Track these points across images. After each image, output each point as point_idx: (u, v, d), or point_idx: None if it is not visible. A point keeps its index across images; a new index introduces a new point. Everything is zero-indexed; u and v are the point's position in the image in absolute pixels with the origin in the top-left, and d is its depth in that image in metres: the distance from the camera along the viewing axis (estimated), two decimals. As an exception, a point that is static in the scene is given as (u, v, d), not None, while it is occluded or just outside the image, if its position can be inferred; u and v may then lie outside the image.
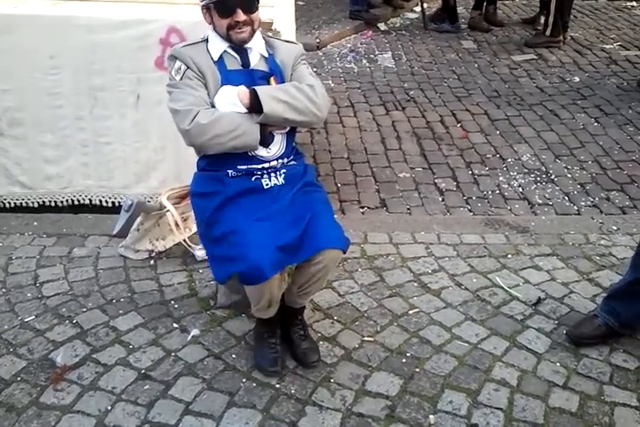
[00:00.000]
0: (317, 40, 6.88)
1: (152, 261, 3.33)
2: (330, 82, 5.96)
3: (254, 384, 2.61)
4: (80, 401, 2.53)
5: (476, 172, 4.47)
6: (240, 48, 2.52)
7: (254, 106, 2.42)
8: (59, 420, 2.45)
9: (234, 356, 2.75)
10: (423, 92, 5.77)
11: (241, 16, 2.42)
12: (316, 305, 3.02)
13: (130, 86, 3.58)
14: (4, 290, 3.12)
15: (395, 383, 2.62)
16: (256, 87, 2.44)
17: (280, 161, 2.58)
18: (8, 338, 2.82)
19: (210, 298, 3.07)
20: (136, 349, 2.78)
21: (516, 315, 2.99)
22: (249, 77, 2.52)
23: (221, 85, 2.48)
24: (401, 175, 4.44)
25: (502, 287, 3.16)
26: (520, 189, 4.26)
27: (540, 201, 4.13)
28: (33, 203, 3.88)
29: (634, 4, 8.37)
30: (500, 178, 4.39)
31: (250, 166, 2.53)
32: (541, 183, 4.33)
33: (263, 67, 2.56)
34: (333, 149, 4.76)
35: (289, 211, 2.51)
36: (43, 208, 3.87)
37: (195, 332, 2.87)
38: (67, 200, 3.87)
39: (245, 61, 2.54)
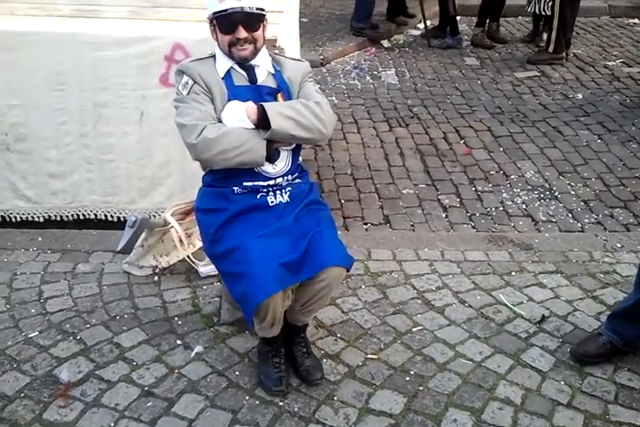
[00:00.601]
0: (321, 57, 6.92)
1: (156, 278, 3.33)
2: (334, 98, 5.99)
3: (257, 402, 2.60)
4: (83, 418, 2.52)
5: (480, 188, 4.48)
6: (246, 65, 2.54)
7: (262, 122, 2.43)
8: (61, 437, 2.44)
9: (237, 373, 2.74)
10: (426, 108, 5.79)
11: (242, 33, 2.43)
12: (319, 322, 3.02)
13: (134, 103, 3.60)
14: (8, 306, 3.12)
15: (398, 401, 2.61)
16: (264, 103, 2.45)
17: (285, 178, 2.59)
18: (12, 354, 2.82)
19: (213, 315, 3.07)
20: (139, 365, 2.78)
21: (520, 333, 2.98)
22: (256, 93, 2.53)
23: (228, 101, 2.49)
24: (404, 192, 4.44)
25: (506, 305, 3.16)
26: (524, 206, 4.26)
27: (544, 218, 4.13)
28: (39, 217, 3.90)
29: (636, 20, 8.40)
30: (504, 195, 4.40)
31: (255, 183, 2.54)
32: (545, 200, 4.33)
33: (271, 83, 2.58)
34: (337, 166, 4.78)
35: (293, 229, 2.51)
36: (47, 224, 3.88)
37: (198, 349, 2.86)
38: (72, 215, 3.89)
39: (252, 77, 2.55)
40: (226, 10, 2.42)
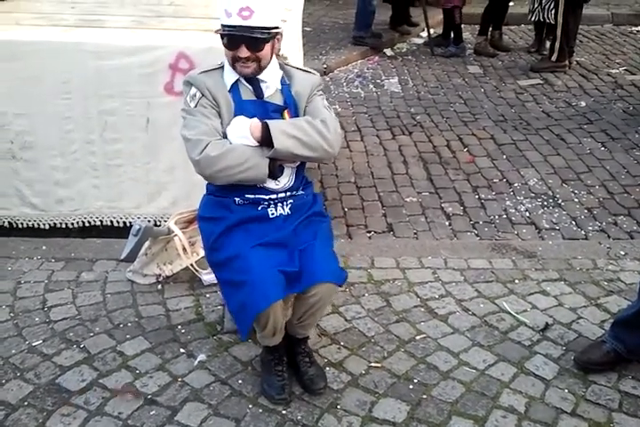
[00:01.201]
0: (324, 65, 6.95)
1: (159, 286, 3.33)
2: (337, 106, 6.00)
3: (260, 410, 2.60)
4: (86, 426, 2.52)
5: (483, 196, 4.48)
6: (252, 79, 2.49)
7: (265, 140, 2.41)
8: (65, 446, 2.44)
9: (240, 381, 2.74)
10: (430, 116, 5.81)
11: (244, 52, 2.37)
12: (322, 330, 3.02)
13: (139, 111, 3.62)
14: (12, 314, 3.13)
15: (402, 410, 2.60)
16: (268, 121, 2.42)
17: (288, 193, 2.58)
18: (15, 362, 2.83)
19: (217, 323, 3.07)
20: (143, 374, 2.78)
21: (524, 341, 2.97)
22: (262, 109, 2.50)
23: (235, 115, 2.47)
24: (408, 200, 4.45)
25: (510, 313, 3.15)
26: (527, 214, 4.26)
27: (548, 226, 4.13)
28: (45, 224, 3.92)
29: (639, 28, 8.42)
30: (507, 202, 4.40)
31: (257, 196, 2.54)
32: (548, 208, 4.33)
33: (278, 98, 2.54)
34: (340, 174, 4.79)
35: (291, 241, 2.52)
36: (52, 231, 3.90)
37: (201, 357, 2.86)
38: (77, 222, 3.91)
39: (259, 92, 2.51)
40: (230, 26, 2.36)
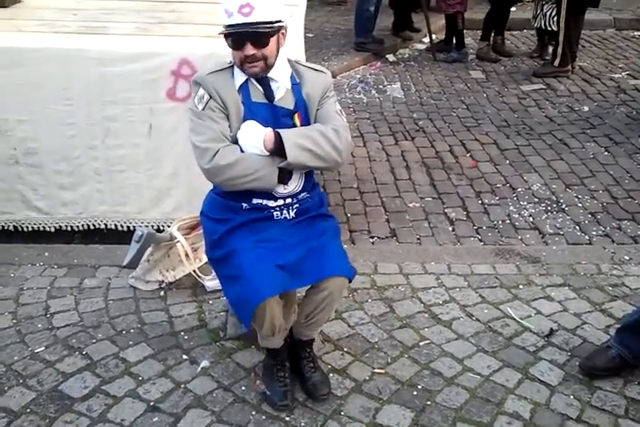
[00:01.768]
0: (327, 71, 6.94)
1: (162, 292, 3.33)
2: (340, 112, 5.99)
3: (264, 417, 2.58)
4: (89, 434, 2.51)
5: (486, 201, 4.47)
6: (262, 79, 2.45)
7: (277, 150, 2.38)
8: (67, 453, 2.43)
9: (243, 388, 2.73)
10: (432, 122, 5.80)
11: (249, 50, 2.34)
12: (325, 336, 3.01)
13: (142, 117, 3.63)
14: (14, 321, 3.12)
15: (406, 416, 2.59)
16: (281, 132, 2.39)
17: (295, 199, 2.57)
18: (18, 369, 2.82)
19: (219, 329, 3.06)
20: (145, 380, 2.77)
21: (529, 346, 2.96)
22: (272, 113, 2.46)
23: (244, 117, 2.43)
24: (411, 205, 4.44)
25: (514, 318, 3.13)
26: (531, 219, 4.25)
27: (551, 231, 4.11)
28: (50, 228, 3.94)
29: (642, 33, 8.43)
30: (511, 207, 4.39)
31: (265, 202, 2.53)
32: (552, 213, 4.32)
33: (288, 100, 2.48)
34: (343, 179, 4.78)
35: (294, 234, 2.52)
36: (56, 234, 3.93)
37: (204, 363, 2.85)
38: (82, 225, 3.93)
39: (269, 94, 2.47)
40: (232, 26, 2.33)
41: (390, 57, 7.60)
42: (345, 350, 2.94)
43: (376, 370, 2.82)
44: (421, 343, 2.98)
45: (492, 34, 7.51)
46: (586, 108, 6.03)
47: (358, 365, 2.85)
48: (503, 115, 5.93)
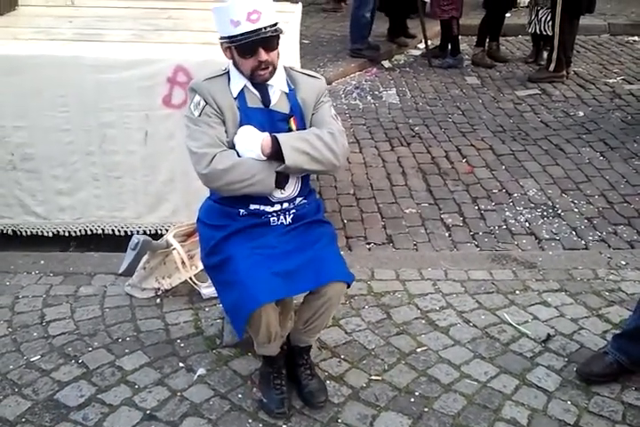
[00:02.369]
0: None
1: (158, 300, 3.32)
2: (335, 118, 5.99)
3: (261, 425, 2.57)
4: (85, 443, 2.50)
5: (483, 207, 4.47)
6: (260, 85, 2.47)
7: (275, 155, 2.39)
8: (63, 463, 2.42)
9: (240, 396, 2.72)
10: (428, 127, 5.81)
11: (263, 56, 2.36)
12: (322, 343, 3.00)
13: (138, 123, 3.64)
14: (10, 329, 3.11)
15: (403, 423, 2.58)
16: (278, 136, 2.40)
17: (292, 204, 2.57)
18: (13, 378, 2.81)
19: (216, 337, 3.05)
20: (142, 389, 2.76)
21: (526, 352, 2.95)
22: (268, 118, 2.48)
23: (240, 123, 2.44)
24: (407, 211, 4.44)
25: (511, 324, 3.13)
26: (527, 224, 4.25)
27: (548, 236, 4.11)
28: (48, 232, 3.94)
29: (636, 38, 8.44)
30: (507, 213, 4.39)
31: (262, 208, 2.53)
32: (548, 218, 4.32)
33: (284, 105, 2.50)
34: (339, 186, 4.78)
35: (290, 241, 2.52)
36: (49, 244, 3.92)
37: (201, 371, 2.84)
38: (80, 230, 3.94)
39: (266, 99, 2.48)
40: (242, 34, 2.33)
41: (386, 63, 7.61)
42: (342, 357, 2.93)
43: (373, 377, 2.81)
44: (418, 350, 2.97)
45: (487, 39, 7.53)
46: (581, 114, 6.04)
47: (355, 372, 2.84)
48: (499, 120, 5.94)
